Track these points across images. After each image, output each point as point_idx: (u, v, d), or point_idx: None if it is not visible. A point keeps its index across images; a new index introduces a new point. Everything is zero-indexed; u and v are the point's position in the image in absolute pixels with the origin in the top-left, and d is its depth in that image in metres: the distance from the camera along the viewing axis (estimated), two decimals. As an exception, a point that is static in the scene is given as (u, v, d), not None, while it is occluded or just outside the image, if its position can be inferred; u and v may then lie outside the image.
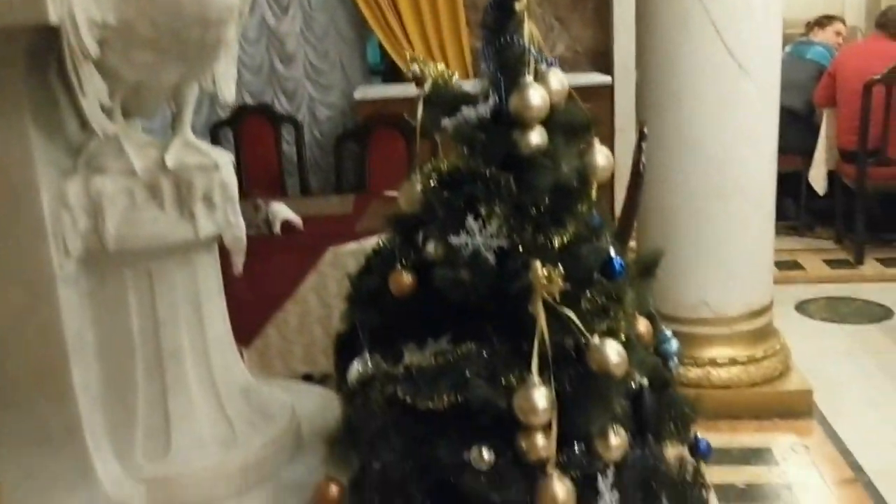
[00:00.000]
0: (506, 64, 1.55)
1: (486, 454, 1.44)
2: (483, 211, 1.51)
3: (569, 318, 1.46)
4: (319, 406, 1.93)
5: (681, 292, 3.31)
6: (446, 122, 1.57)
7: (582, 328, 1.46)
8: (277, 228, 2.85)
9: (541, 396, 1.41)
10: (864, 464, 2.97)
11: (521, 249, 1.51)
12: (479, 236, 1.50)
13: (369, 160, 4.02)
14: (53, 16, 1.37)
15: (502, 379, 1.46)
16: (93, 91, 1.47)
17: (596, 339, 1.46)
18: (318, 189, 4.63)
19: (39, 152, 1.50)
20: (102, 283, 1.58)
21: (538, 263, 1.46)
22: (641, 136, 2.79)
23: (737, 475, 2.89)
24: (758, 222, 3.37)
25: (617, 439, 1.46)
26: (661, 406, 1.62)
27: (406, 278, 1.59)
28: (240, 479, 1.64)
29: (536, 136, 1.51)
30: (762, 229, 3.40)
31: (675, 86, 3.21)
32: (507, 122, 1.52)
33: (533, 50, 1.56)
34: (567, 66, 4.87)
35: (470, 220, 1.50)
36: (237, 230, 1.64)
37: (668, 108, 3.25)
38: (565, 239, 1.53)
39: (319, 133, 4.98)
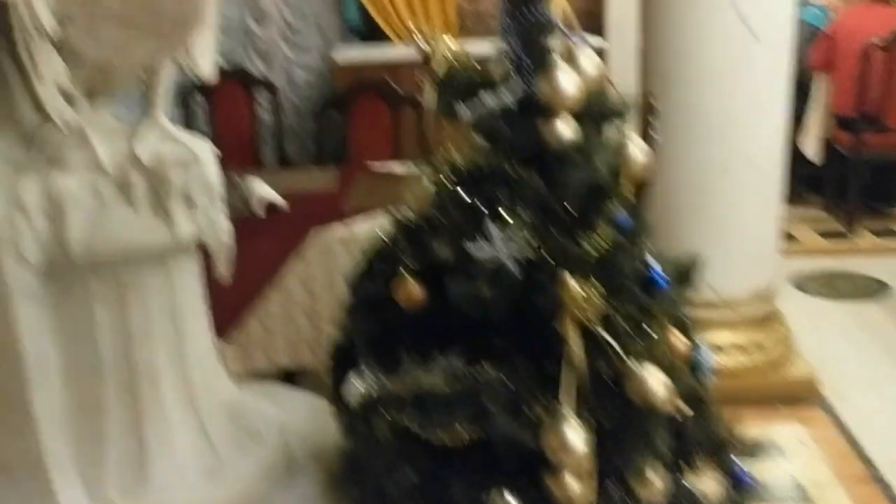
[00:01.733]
0: (530, 41, 1.35)
1: (509, 497, 1.26)
2: (505, 214, 1.32)
3: (604, 339, 1.28)
4: (310, 418, 1.75)
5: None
6: (463, 111, 1.37)
7: (619, 351, 1.29)
8: (257, 209, 2.63)
9: (574, 433, 1.24)
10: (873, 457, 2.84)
11: (548, 258, 1.33)
12: (500, 243, 1.31)
13: (350, 129, 3.79)
14: (0, -14, 1.15)
15: (527, 410, 1.28)
16: (50, 74, 1.25)
17: (635, 366, 1.28)
18: (295, 158, 4.38)
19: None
20: (67, 296, 1.37)
21: (568, 276, 1.28)
22: (650, 110, 2.60)
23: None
24: (764, 197, 3.20)
25: (658, 479, 1.29)
26: (698, 431, 1.46)
27: (414, 288, 1.40)
28: (227, 513, 1.46)
29: (568, 129, 1.31)
30: (767, 204, 3.24)
31: (681, 50, 3.01)
32: (534, 111, 1.32)
33: (561, 25, 1.36)
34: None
35: (490, 225, 1.31)
36: (222, 233, 1.43)
37: (671, 75, 3.06)
38: (597, 246, 1.35)
39: (297, 98, 4.70)
